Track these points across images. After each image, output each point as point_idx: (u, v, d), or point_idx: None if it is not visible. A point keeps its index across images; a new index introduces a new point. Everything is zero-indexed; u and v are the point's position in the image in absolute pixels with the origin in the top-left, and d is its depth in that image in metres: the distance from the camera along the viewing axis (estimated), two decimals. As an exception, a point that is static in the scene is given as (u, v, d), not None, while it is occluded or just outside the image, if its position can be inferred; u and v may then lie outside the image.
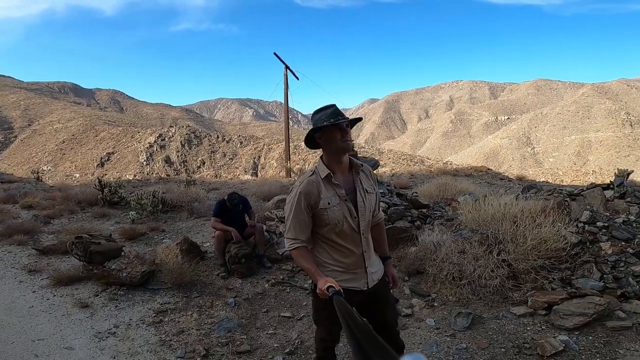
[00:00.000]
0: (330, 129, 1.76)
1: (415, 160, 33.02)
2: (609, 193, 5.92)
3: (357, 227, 1.79)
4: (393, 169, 21.60)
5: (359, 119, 1.96)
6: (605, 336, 2.69)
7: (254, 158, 43.40)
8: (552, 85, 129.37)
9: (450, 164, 25.52)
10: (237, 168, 42.44)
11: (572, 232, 4.33)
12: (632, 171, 6.60)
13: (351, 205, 1.79)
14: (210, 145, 47.29)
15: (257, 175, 34.39)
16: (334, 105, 1.83)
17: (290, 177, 14.47)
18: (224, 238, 4.59)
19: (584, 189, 6.14)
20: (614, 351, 2.51)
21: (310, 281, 3.91)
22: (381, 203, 3.40)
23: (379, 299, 1.90)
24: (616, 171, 6.30)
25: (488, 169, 17.87)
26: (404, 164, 28.42)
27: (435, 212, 5.91)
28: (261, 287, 4.10)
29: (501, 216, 4.53)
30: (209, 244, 5.48)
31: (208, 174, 41.09)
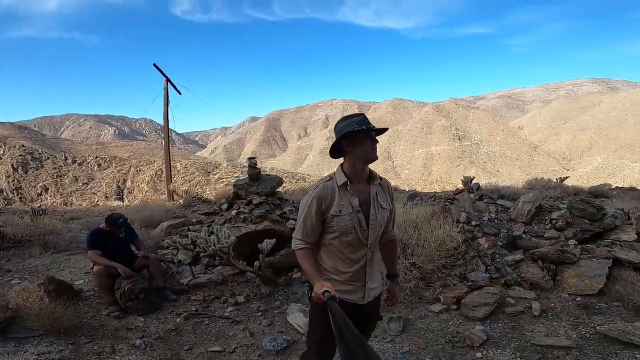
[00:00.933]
0: (361, 135, 1.74)
1: (297, 178, 34.13)
2: (471, 196, 7.12)
3: (365, 239, 1.78)
4: (284, 187, 21.81)
5: (385, 130, 1.87)
6: (510, 322, 3.11)
7: (118, 182, 37.95)
8: (404, 104, 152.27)
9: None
10: (96, 194, 36.34)
11: (457, 232, 5.01)
12: (474, 177, 8.05)
13: (363, 217, 1.76)
14: (55, 168, 39.38)
15: (122, 201, 30.05)
16: (362, 114, 1.80)
17: (173, 199, 12.99)
18: (107, 273, 3.75)
19: (455, 193, 7.26)
20: (522, 334, 2.90)
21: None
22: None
23: (367, 314, 1.89)
24: (462, 178, 7.49)
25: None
26: (289, 182, 29.02)
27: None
28: (172, 323, 3.54)
29: (403, 222, 4.93)
30: (82, 281, 4.45)
31: (54, 201, 33.92)
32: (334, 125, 1.86)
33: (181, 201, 10.97)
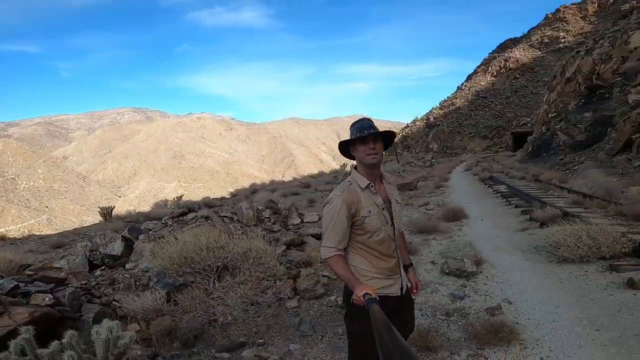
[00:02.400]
0: (356, 142, 1.82)
1: None
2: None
3: (393, 234, 1.88)
4: None
5: (390, 132, 1.90)
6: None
7: None
8: None
9: None
10: None
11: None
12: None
13: (387, 213, 1.87)
14: None
15: None
16: (364, 119, 1.88)
17: None
18: None
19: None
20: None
21: None
22: None
23: (407, 301, 2.02)
24: None
25: None
26: None
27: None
28: None
29: (195, 248, 4.42)
30: None
31: None
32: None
33: None
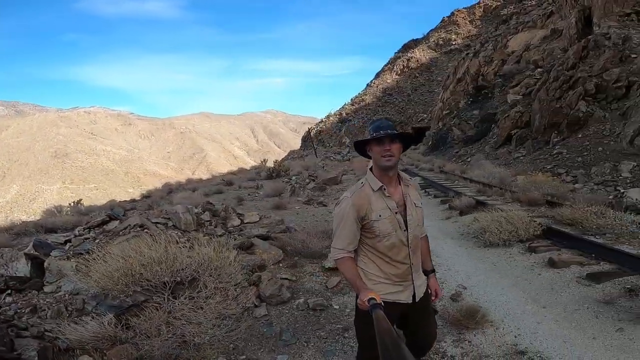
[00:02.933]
0: (372, 142, 1.77)
1: None
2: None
3: (406, 239, 1.81)
4: None
5: (408, 134, 1.90)
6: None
7: None
8: None
9: None
10: None
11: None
12: None
13: (401, 218, 1.80)
14: None
15: None
16: (382, 118, 1.88)
17: None
18: None
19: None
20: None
21: None
22: None
23: (424, 310, 1.95)
24: None
25: None
26: None
27: None
28: None
29: (142, 262, 3.91)
30: None
31: None
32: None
33: None
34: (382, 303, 1.55)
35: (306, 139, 54.71)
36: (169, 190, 19.02)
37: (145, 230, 5.42)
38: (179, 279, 3.89)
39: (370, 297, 1.55)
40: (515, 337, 2.83)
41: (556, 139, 15.49)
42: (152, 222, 6.19)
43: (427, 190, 11.32)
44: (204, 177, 32.39)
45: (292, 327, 3.34)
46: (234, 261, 4.71)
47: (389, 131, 1.74)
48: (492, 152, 20.23)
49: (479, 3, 68.04)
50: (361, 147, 1.85)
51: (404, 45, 76.07)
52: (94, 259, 4.23)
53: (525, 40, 27.43)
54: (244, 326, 3.39)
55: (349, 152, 31.95)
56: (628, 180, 10.24)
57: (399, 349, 1.16)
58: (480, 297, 3.64)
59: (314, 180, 14.95)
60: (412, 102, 56.36)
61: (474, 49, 37.42)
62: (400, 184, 1.87)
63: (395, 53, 75.42)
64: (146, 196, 18.20)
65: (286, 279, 4.59)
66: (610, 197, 8.17)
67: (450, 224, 7.14)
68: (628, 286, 3.37)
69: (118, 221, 6.42)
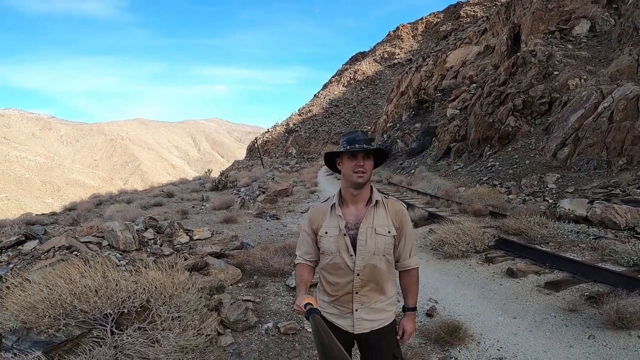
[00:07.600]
0: (344, 156, 1.63)
1: None
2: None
3: (352, 265, 1.64)
4: None
5: (384, 152, 1.72)
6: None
7: None
8: None
9: None
10: None
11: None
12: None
13: (349, 241, 1.64)
14: None
15: None
16: (357, 131, 1.69)
17: None
18: None
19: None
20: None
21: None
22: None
23: (372, 350, 1.72)
24: None
25: None
26: None
27: None
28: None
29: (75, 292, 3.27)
30: None
31: None
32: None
33: None
34: (319, 310, 1.55)
35: (252, 149, 53.66)
36: (98, 202, 17.15)
37: (75, 252, 4.66)
38: (125, 310, 3.33)
39: (307, 302, 1.52)
40: (498, 350, 2.79)
41: (489, 152, 16.82)
42: (82, 242, 5.38)
43: (378, 201, 11.46)
44: (139, 187, 29.93)
45: (265, 356, 2.99)
46: (192, 286, 4.22)
47: (364, 146, 1.59)
48: (434, 164, 21.43)
49: (421, 19, 72.95)
50: (331, 160, 1.73)
51: (352, 57, 78.78)
52: (9, 288, 3.50)
53: (462, 56, 29.64)
54: (213, 358, 2.96)
55: (296, 163, 31.77)
56: (554, 191, 11.34)
57: (340, 351, 1.16)
58: (453, 310, 3.60)
59: (264, 192, 14.46)
60: (357, 113, 58.26)
61: (417, 63, 39.59)
62: (367, 205, 1.67)
63: (343, 65, 77.77)
64: (70, 209, 16.20)
65: (249, 300, 4.19)
66: (542, 207, 8.93)
67: (406, 235, 7.22)
68: (587, 293, 3.56)
69: (37, 241, 5.51)
